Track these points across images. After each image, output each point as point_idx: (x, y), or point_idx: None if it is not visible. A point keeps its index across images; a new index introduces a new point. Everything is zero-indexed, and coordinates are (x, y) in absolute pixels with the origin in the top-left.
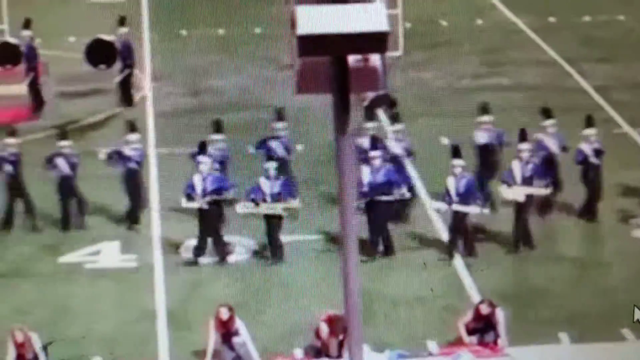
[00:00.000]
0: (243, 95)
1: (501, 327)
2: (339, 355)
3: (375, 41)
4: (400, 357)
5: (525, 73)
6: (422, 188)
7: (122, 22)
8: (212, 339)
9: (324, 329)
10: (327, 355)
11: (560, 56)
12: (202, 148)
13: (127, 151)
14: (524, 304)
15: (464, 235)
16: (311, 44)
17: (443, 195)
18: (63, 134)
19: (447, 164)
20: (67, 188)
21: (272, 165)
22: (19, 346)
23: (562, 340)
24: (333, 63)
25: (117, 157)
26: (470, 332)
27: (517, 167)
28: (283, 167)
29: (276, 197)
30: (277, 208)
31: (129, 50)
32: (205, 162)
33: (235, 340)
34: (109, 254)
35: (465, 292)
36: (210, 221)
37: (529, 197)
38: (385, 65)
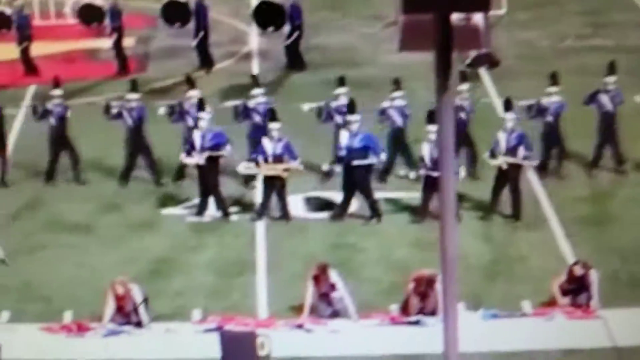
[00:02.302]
0: (349, 53)
1: (594, 289)
2: (425, 313)
3: (478, 0)
4: (493, 316)
5: (628, 35)
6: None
7: None
8: (310, 293)
9: (410, 287)
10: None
11: None
12: (201, 105)
13: (252, 105)
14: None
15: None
16: (415, 1)
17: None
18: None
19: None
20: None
21: (275, 126)
22: (119, 299)
23: None
24: (436, 20)
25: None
26: (564, 293)
27: (502, 137)
28: (398, 134)
29: (278, 158)
30: (278, 169)
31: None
32: (205, 118)
33: (333, 295)
34: (210, 206)
35: (560, 254)
36: (209, 177)
37: (515, 166)
38: (488, 24)
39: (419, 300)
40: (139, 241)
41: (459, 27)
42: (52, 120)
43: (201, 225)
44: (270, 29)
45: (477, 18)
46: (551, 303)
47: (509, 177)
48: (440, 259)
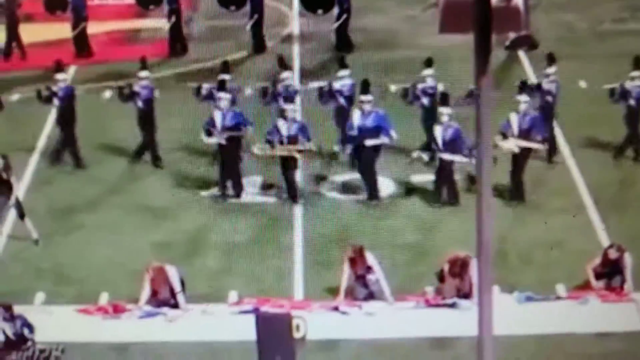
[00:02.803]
0: (389, 35)
1: (628, 272)
2: (459, 295)
3: None
4: (528, 299)
5: None
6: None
7: None
8: (346, 275)
9: (445, 269)
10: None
11: None
12: (222, 85)
13: (337, 86)
14: None
15: (449, 184)
16: None
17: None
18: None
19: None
20: None
21: (290, 107)
22: (155, 283)
23: None
24: (476, 2)
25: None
26: (598, 276)
27: (514, 119)
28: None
29: (292, 139)
30: (292, 150)
31: None
32: (226, 98)
33: (369, 277)
34: (249, 188)
35: (597, 237)
36: (229, 158)
37: (526, 149)
38: (527, 6)
39: (454, 281)
40: (176, 223)
41: (498, 8)
42: (139, 103)
43: (236, 206)
44: (320, 11)
45: (517, 0)
46: (585, 286)
47: (518, 160)
48: (476, 242)
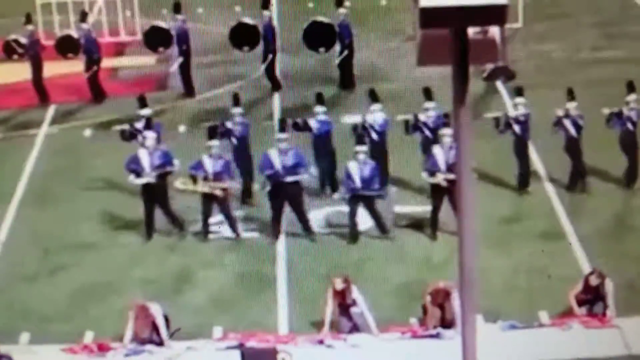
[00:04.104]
0: (368, 67)
1: (610, 298)
2: (443, 325)
3: (494, 13)
4: (512, 327)
5: None
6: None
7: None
8: (330, 309)
9: (427, 300)
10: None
11: None
12: (148, 124)
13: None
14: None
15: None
16: (432, 16)
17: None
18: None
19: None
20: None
21: (215, 144)
22: (139, 319)
23: None
24: (453, 35)
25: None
26: (580, 303)
27: (439, 153)
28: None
29: (218, 176)
30: (215, 187)
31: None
32: (152, 137)
33: (353, 310)
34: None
35: (577, 263)
36: (158, 195)
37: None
38: (504, 37)
39: (437, 311)
40: (159, 259)
41: (475, 40)
42: (233, 140)
43: (220, 242)
44: (322, 49)
45: (494, 31)
46: (568, 313)
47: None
48: (459, 272)
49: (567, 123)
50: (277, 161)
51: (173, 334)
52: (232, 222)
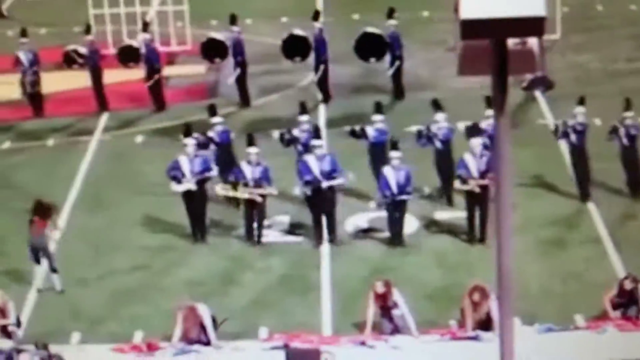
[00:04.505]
0: (412, 77)
1: None
2: (482, 327)
3: (533, 25)
4: (548, 330)
5: None
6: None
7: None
8: (372, 311)
9: (466, 302)
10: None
11: None
12: (187, 131)
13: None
14: None
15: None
16: (473, 28)
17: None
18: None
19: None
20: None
21: (254, 151)
22: (187, 321)
23: None
24: (493, 46)
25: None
26: (614, 306)
27: (471, 161)
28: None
29: (257, 182)
30: (254, 193)
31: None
32: (191, 144)
33: (394, 312)
34: (278, 228)
35: (612, 268)
36: (199, 202)
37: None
38: (542, 48)
39: (474, 313)
40: (205, 262)
41: (514, 51)
42: (437, 144)
43: (264, 246)
44: (372, 59)
45: (532, 42)
46: (603, 317)
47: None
48: (497, 276)
49: (622, 132)
50: (315, 167)
51: (221, 323)
52: (260, 228)
